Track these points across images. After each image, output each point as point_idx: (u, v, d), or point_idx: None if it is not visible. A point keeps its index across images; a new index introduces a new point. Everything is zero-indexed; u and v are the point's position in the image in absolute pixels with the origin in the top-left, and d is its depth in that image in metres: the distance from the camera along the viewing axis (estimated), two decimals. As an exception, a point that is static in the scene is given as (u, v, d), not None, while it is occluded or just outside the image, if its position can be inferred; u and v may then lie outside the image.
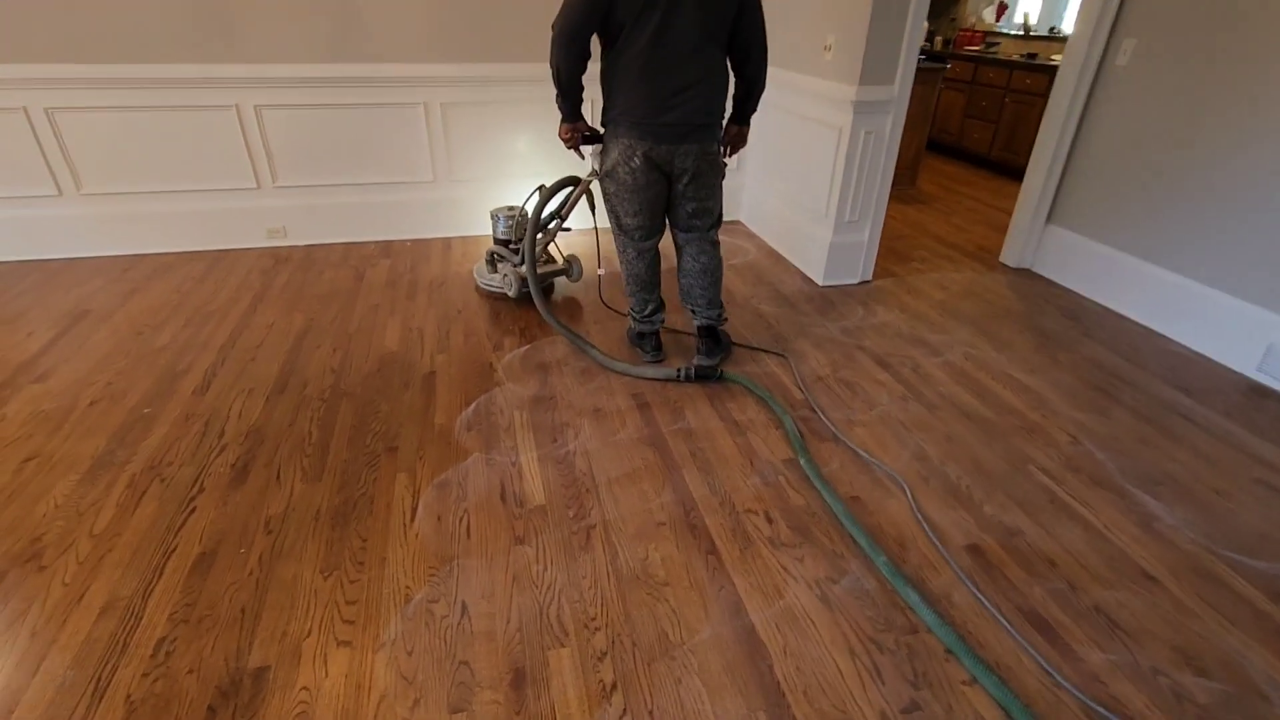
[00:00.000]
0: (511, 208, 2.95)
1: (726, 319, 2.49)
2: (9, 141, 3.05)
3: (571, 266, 3.02)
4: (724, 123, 2.20)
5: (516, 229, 2.88)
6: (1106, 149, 3.01)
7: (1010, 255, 3.49)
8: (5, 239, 3.23)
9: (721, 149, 2.27)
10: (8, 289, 2.98)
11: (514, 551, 1.65)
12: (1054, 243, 3.31)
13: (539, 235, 2.74)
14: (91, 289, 2.99)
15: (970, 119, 5.58)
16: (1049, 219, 3.33)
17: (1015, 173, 5.23)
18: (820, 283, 3.21)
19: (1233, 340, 2.54)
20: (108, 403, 2.18)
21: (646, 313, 2.43)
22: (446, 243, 3.65)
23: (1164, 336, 2.78)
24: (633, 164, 2.11)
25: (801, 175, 3.31)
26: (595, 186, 3.33)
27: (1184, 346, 2.70)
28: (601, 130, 2.22)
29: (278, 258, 3.38)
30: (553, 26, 1.97)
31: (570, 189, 2.58)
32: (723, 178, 2.27)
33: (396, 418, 2.14)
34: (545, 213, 2.81)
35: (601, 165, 2.22)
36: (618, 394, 2.29)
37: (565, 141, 2.26)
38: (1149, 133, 2.82)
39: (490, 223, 3.05)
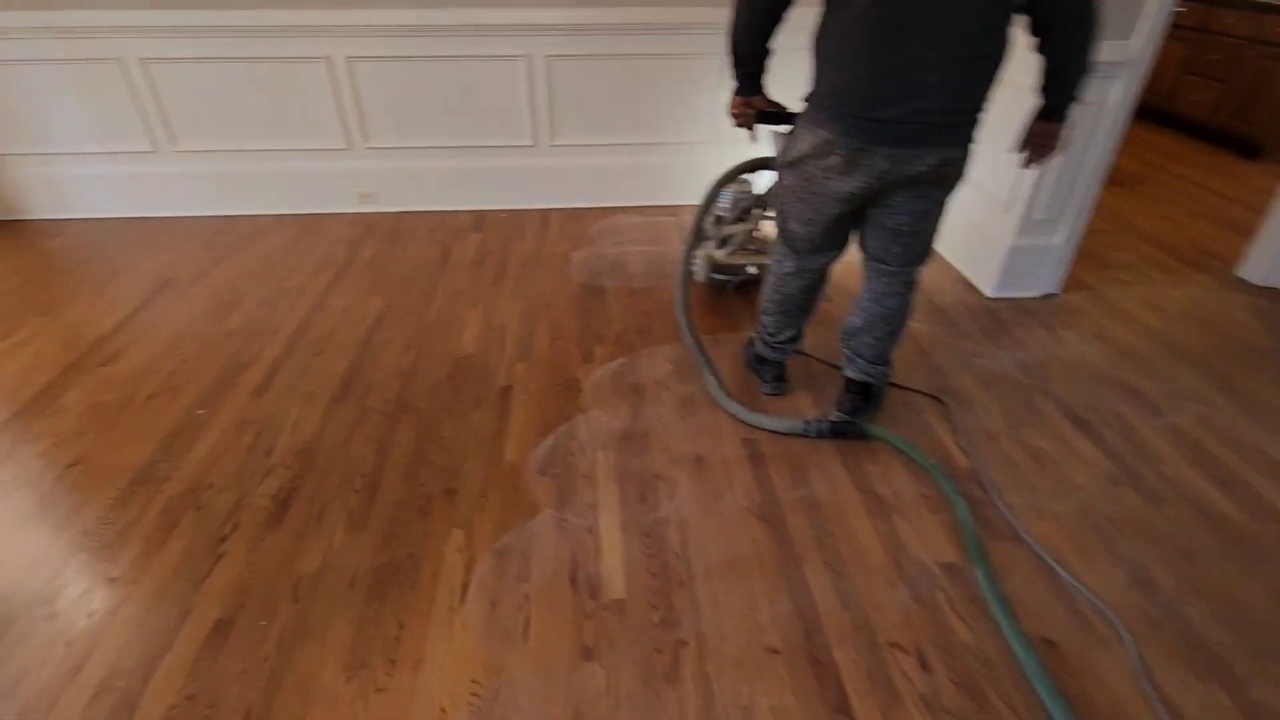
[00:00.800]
0: (744, 182, 2.48)
1: (891, 379, 1.91)
2: (106, 94, 2.93)
3: None
4: (982, 117, 1.42)
5: (736, 209, 2.49)
6: None
7: (1256, 268, 2.67)
8: (104, 194, 3.17)
9: (1023, 153, 1.61)
10: (104, 248, 2.91)
11: (580, 672, 1.28)
12: (1325, 256, 2.47)
13: (740, 223, 2.43)
14: (179, 255, 2.86)
15: (1190, 76, 4.47)
16: (1321, 223, 2.48)
17: (1246, 148, 4.16)
18: (989, 294, 2.57)
19: None
20: (166, 397, 2.00)
21: (780, 339, 1.94)
22: (544, 216, 3.27)
23: None
24: (827, 162, 1.49)
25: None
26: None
27: None
28: (788, 109, 1.68)
29: (366, 225, 3.14)
30: None
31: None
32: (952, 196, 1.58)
33: (461, 446, 1.81)
34: (735, 196, 2.46)
35: (786, 151, 1.61)
36: (726, 437, 1.85)
37: (735, 119, 1.73)
38: None
39: (708, 189, 2.36)
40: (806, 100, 1.53)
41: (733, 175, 2.25)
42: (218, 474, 1.73)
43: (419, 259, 2.83)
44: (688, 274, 2.28)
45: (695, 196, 3.30)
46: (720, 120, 3.17)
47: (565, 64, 3.00)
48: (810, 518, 1.60)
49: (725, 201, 2.45)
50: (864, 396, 1.82)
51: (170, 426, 1.88)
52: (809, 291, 1.82)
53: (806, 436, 1.82)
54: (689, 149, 3.26)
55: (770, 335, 1.94)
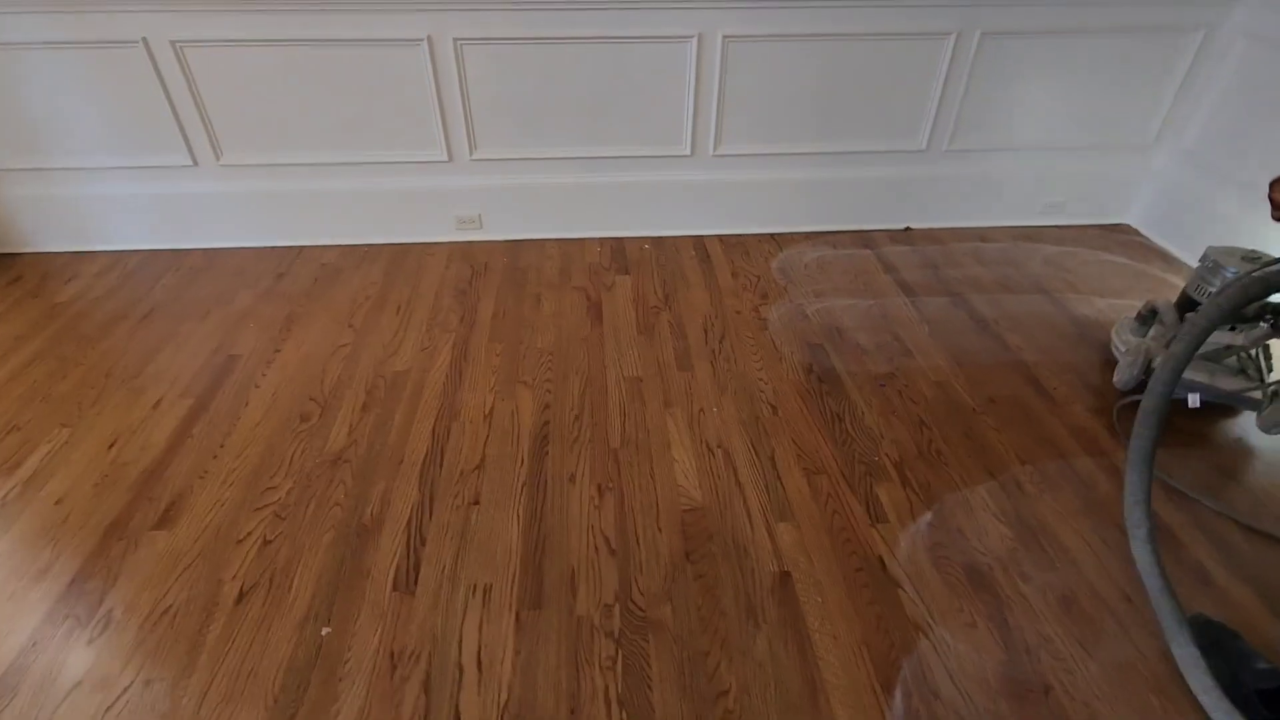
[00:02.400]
0: (1254, 256, 1.67)
1: None
2: (127, 88, 2.15)
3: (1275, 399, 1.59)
4: None
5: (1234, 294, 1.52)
6: None
7: None
8: (128, 222, 2.42)
9: None
10: (134, 297, 2.18)
11: None
12: None
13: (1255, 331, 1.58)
14: (236, 309, 2.12)
15: None
16: None
17: None
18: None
19: None
20: (264, 601, 1.30)
21: None
22: (699, 247, 2.52)
23: None
24: None
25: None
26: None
27: None
28: None
29: (473, 263, 2.39)
30: None
31: None
32: None
33: (759, 713, 1.12)
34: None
35: None
36: (1176, 696, 1.15)
37: None
38: None
39: (1197, 269, 1.76)
40: None
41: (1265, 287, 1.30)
42: (379, 787, 1.04)
43: (560, 316, 2.09)
44: (1164, 402, 1.29)
45: (896, 219, 2.55)
46: (941, 126, 2.40)
47: (745, 48, 2.21)
48: None
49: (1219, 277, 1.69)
50: None
51: (281, 665, 1.19)
52: None
53: None
54: (888, 160, 2.48)
55: None
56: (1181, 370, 1.28)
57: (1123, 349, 1.82)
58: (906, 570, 1.35)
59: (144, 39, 2.06)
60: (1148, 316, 1.79)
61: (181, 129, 2.23)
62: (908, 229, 2.64)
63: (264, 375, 1.86)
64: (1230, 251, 1.69)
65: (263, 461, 1.59)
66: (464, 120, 2.28)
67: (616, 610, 1.28)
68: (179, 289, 2.24)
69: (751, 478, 1.56)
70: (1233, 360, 1.70)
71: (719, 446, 1.64)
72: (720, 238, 2.57)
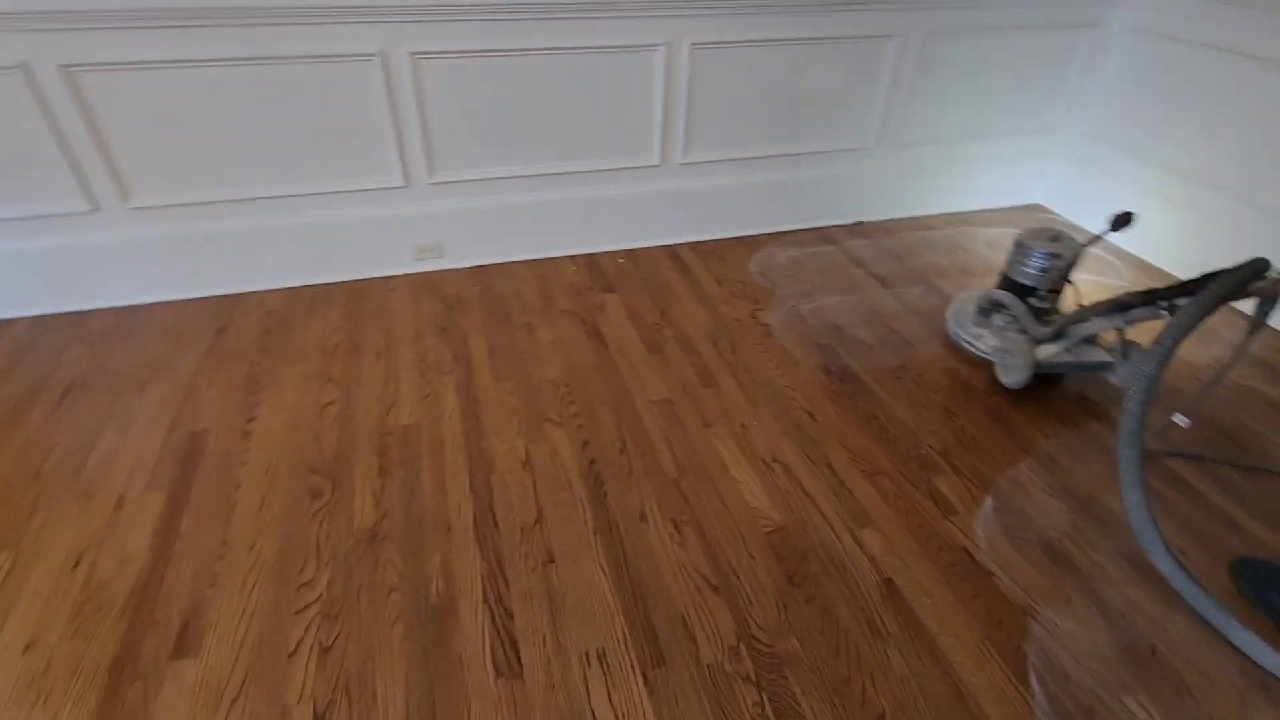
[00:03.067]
0: (1056, 236, 1.86)
1: None
2: (9, 124, 1.77)
3: (1124, 359, 1.70)
4: None
5: (1050, 277, 1.84)
6: None
7: None
8: (17, 282, 2.00)
9: None
10: (45, 378, 1.80)
11: None
12: None
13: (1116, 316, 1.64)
14: (182, 376, 1.81)
15: None
16: None
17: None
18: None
19: None
20: None
21: None
22: (673, 256, 2.48)
23: None
24: None
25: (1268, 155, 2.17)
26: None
27: None
28: None
29: (443, 296, 2.20)
30: None
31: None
32: None
33: (920, 730, 1.11)
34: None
35: None
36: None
37: None
38: None
39: (1013, 254, 1.89)
40: None
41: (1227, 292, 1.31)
42: None
43: (562, 346, 1.97)
44: (1137, 438, 1.30)
45: (848, 214, 2.66)
46: (891, 121, 2.51)
47: (712, 54, 2.20)
48: None
49: (1036, 264, 1.84)
50: None
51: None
52: None
53: None
54: (842, 158, 2.58)
55: None
56: (1151, 390, 1.28)
57: (981, 344, 1.94)
58: (993, 558, 1.40)
59: (25, 63, 1.70)
60: (990, 309, 1.96)
61: (76, 169, 1.87)
62: (860, 223, 2.76)
63: (245, 451, 1.60)
64: (1037, 234, 1.87)
65: (283, 554, 1.37)
66: (421, 141, 2.09)
67: (744, 651, 1.22)
68: (96, 359, 1.88)
69: (817, 488, 1.55)
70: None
71: (775, 460, 1.62)
72: (692, 245, 2.55)
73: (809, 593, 1.32)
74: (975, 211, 2.89)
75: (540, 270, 2.36)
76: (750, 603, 1.30)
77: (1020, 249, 1.87)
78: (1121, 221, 1.74)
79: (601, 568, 1.36)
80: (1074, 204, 2.86)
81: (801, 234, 2.66)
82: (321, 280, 2.24)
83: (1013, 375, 1.76)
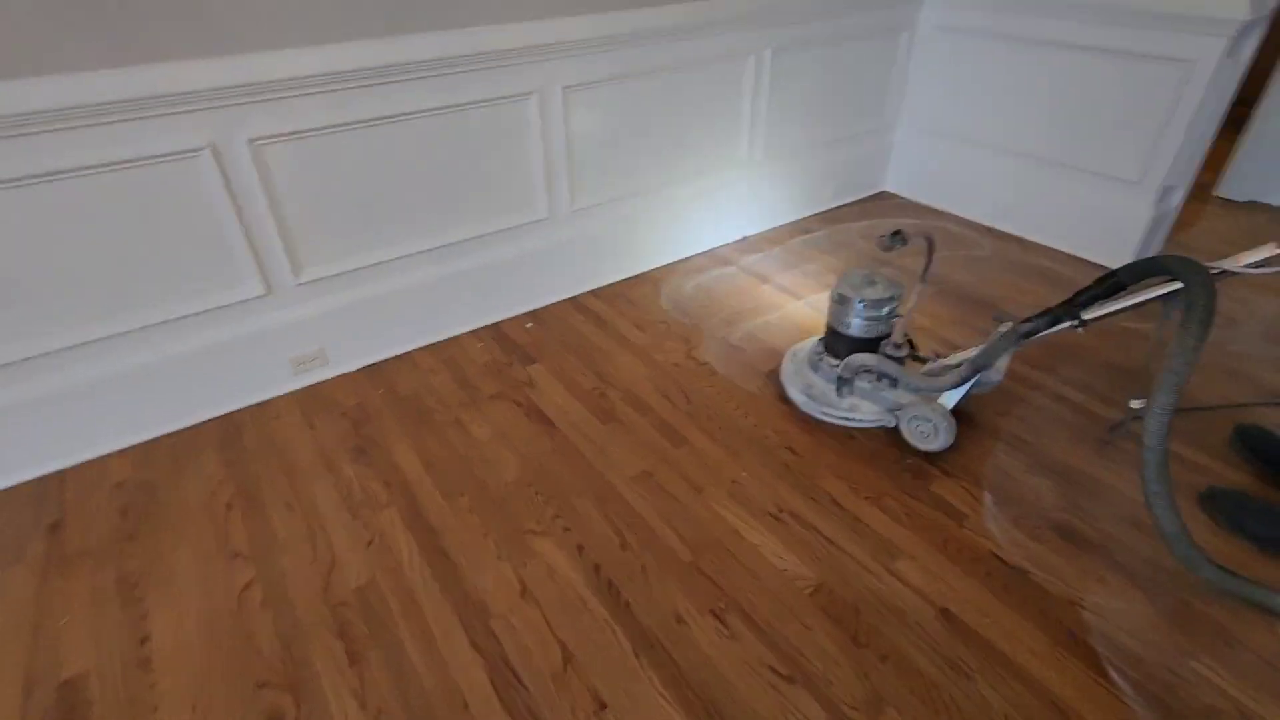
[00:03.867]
0: (874, 280, 1.71)
1: None
2: None
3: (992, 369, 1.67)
4: None
5: (888, 321, 1.71)
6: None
7: (1235, 186, 3.01)
8: None
9: None
10: None
11: None
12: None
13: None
14: (18, 605, 1.34)
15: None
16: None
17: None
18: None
19: None
20: None
21: None
22: (580, 306, 2.31)
23: None
24: None
25: (1074, 126, 2.46)
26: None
27: None
28: None
29: (342, 409, 1.86)
30: None
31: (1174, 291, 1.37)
32: None
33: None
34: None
35: None
36: (1239, 557, 1.40)
37: None
38: None
39: (843, 310, 1.72)
40: None
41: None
42: None
43: (506, 440, 1.74)
44: (1175, 512, 1.25)
45: (735, 230, 2.68)
46: (758, 135, 2.55)
47: (586, 94, 2.07)
48: None
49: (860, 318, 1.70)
50: None
51: None
52: None
53: None
54: (721, 176, 2.57)
55: None
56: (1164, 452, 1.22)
57: (858, 415, 1.73)
58: (1020, 555, 1.41)
59: None
60: (849, 379, 1.75)
61: None
62: (745, 238, 2.78)
63: (152, 687, 1.21)
64: (853, 283, 1.71)
65: (261, 815, 1.03)
66: (279, 239, 1.75)
67: (851, 744, 1.11)
68: None
69: (834, 529, 1.48)
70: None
71: (782, 511, 1.53)
72: (595, 293, 2.40)
73: (880, 650, 1.24)
74: (838, 207, 3.04)
75: (445, 354, 2.09)
76: (829, 683, 1.19)
77: (839, 300, 1.71)
78: (896, 240, 1.59)
79: (660, 693, 1.18)
80: (915, 187, 3.10)
81: (696, 259, 2.61)
82: (180, 425, 1.80)
83: (942, 439, 1.60)
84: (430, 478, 1.64)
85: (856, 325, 1.71)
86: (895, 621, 1.29)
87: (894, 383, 1.70)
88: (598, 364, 2.03)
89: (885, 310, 1.69)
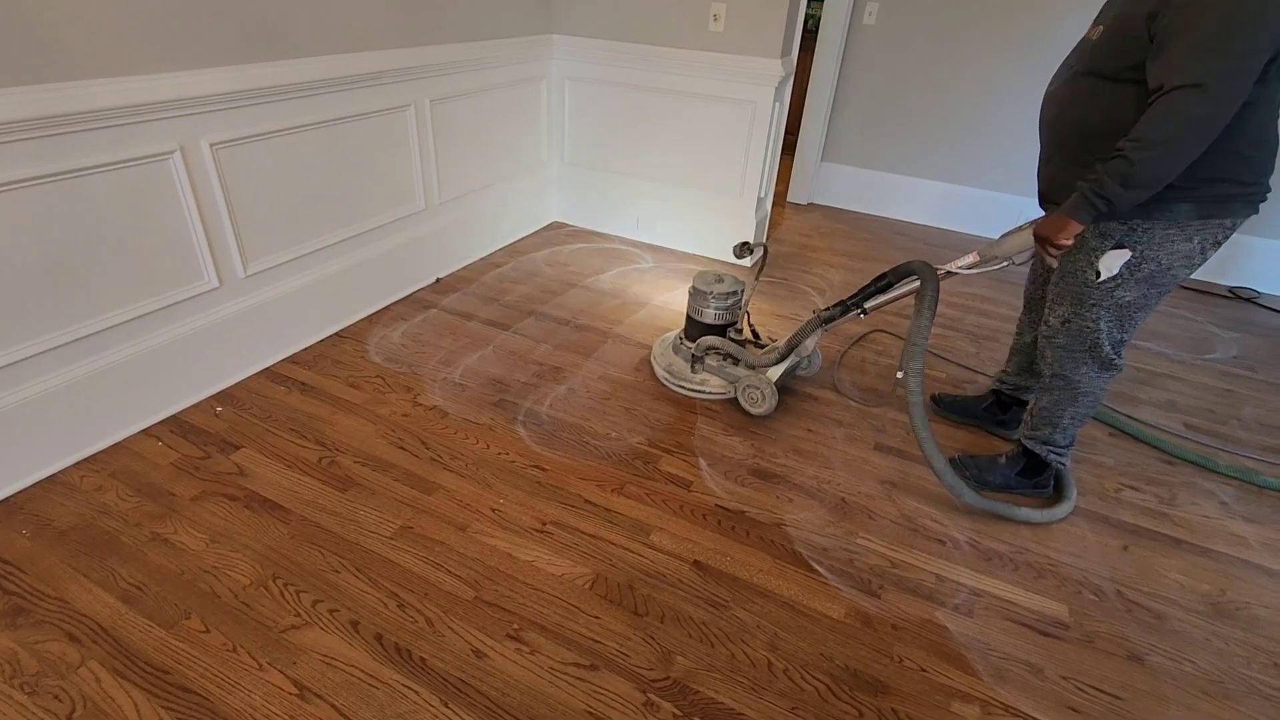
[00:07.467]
0: (720, 278, 2.17)
1: None
2: None
3: (814, 356, 2.28)
4: None
5: (734, 311, 2.16)
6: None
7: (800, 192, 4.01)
8: None
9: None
10: None
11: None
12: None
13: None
14: None
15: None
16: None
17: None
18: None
19: (981, 217, 3.65)
20: None
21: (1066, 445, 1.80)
22: (277, 376, 2.09)
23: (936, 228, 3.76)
24: (1204, 256, 1.44)
25: (689, 154, 3.03)
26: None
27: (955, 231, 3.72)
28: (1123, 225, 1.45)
29: (-35, 570, 1.41)
30: (1186, 84, 1.20)
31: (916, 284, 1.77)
32: None
33: (791, 651, 1.37)
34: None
35: (1141, 267, 1.45)
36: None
37: (1058, 248, 1.45)
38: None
39: (699, 302, 2.14)
40: (1192, 198, 1.37)
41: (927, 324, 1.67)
42: None
43: (228, 539, 1.53)
44: (929, 433, 1.64)
45: (425, 275, 2.73)
46: (429, 181, 2.61)
47: (243, 152, 1.91)
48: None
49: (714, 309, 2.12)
50: None
51: None
52: None
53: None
54: (403, 226, 2.57)
55: (1064, 447, 1.78)
56: (920, 385, 1.63)
57: (707, 388, 2.11)
58: (735, 500, 1.75)
59: None
60: (701, 357, 2.13)
61: None
62: (438, 280, 2.81)
63: None
64: (705, 280, 2.14)
65: None
66: (233, 237, 1.27)
67: (654, 699, 1.27)
68: None
69: (593, 526, 1.65)
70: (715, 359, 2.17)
71: (545, 524, 1.64)
72: (292, 359, 2.20)
73: (657, 614, 1.44)
74: (516, 241, 3.26)
75: (112, 465, 1.72)
76: (626, 656, 1.35)
77: (697, 294, 2.12)
78: (743, 250, 2.13)
79: (480, 731, 1.20)
80: (579, 215, 3.48)
81: (394, 307, 2.57)
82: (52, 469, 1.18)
83: (767, 404, 1.99)
84: (136, 611, 1.36)
85: (717, 314, 2.13)
86: (662, 585, 1.51)
87: (735, 361, 2.11)
88: (317, 432, 1.89)
89: (733, 301, 2.13)
